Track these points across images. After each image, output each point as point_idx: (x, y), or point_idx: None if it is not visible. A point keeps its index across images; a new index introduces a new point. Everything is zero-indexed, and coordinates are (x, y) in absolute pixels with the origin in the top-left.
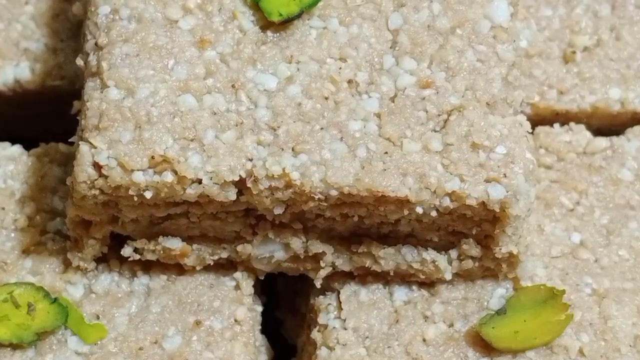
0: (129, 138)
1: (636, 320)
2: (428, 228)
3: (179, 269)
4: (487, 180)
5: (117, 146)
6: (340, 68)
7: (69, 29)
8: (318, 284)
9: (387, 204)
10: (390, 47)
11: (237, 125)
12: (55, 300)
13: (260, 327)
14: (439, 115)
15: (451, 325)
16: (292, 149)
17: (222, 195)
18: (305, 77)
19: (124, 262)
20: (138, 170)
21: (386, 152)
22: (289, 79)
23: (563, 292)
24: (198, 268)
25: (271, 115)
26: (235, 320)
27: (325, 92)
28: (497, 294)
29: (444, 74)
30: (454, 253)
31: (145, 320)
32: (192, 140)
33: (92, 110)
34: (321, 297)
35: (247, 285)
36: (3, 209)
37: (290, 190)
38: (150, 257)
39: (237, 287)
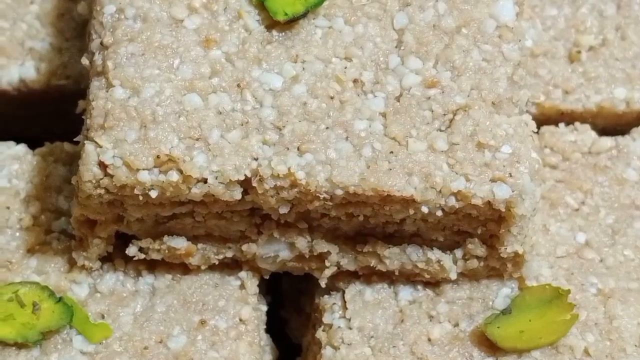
0: (134, 137)
1: None
2: (433, 227)
3: (184, 269)
4: (493, 180)
5: (122, 145)
6: (345, 67)
7: (74, 28)
8: (323, 283)
9: (393, 203)
10: (396, 47)
11: (242, 125)
12: (60, 299)
13: (265, 327)
14: (444, 114)
15: (456, 324)
16: (298, 149)
17: (227, 194)
18: (310, 77)
19: (129, 261)
20: (143, 169)
21: (392, 152)
22: (295, 78)
23: (568, 291)
24: (203, 267)
25: (276, 115)
26: (240, 320)
27: (331, 91)
28: (502, 293)
29: (449, 73)
30: (459, 253)
31: (150, 319)
32: (197, 139)
33: (98, 110)
34: (326, 296)
35: (252, 284)
36: (8, 208)
37: (296, 189)
38: (155, 256)
39: (242, 286)
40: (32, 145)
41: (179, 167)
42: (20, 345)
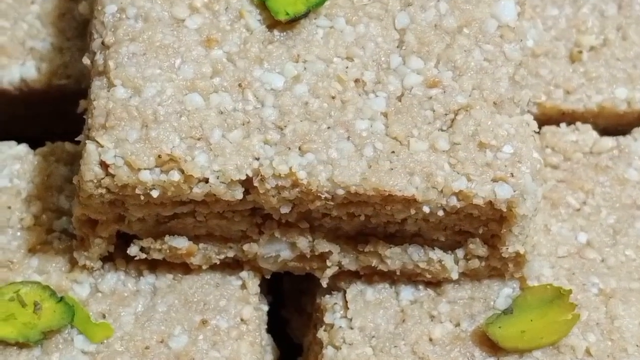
0: (135, 137)
1: None
2: (435, 227)
3: (185, 268)
4: (494, 180)
5: (123, 145)
6: (347, 67)
7: (75, 28)
8: (324, 283)
9: (394, 203)
10: (397, 47)
11: (243, 125)
12: (61, 299)
13: (266, 327)
14: (446, 114)
15: (458, 324)
16: (299, 148)
17: (228, 194)
18: (312, 76)
19: (130, 261)
20: (145, 169)
21: (393, 152)
22: (296, 78)
23: (570, 291)
24: (204, 267)
25: (278, 115)
26: (242, 320)
27: (332, 91)
28: (503, 293)
29: (451, 73)
30: (460, 252)
31: (152, 319)
32: (198, 139)
33: (99, 109)
34: (327, 296)
35: (253, 284)
36: (9, 207)
37: (297, 189)
38: (156, 256)
39: (243, 286)
40: (33, 145)
41: (180, 166)
42: (21, 345)
